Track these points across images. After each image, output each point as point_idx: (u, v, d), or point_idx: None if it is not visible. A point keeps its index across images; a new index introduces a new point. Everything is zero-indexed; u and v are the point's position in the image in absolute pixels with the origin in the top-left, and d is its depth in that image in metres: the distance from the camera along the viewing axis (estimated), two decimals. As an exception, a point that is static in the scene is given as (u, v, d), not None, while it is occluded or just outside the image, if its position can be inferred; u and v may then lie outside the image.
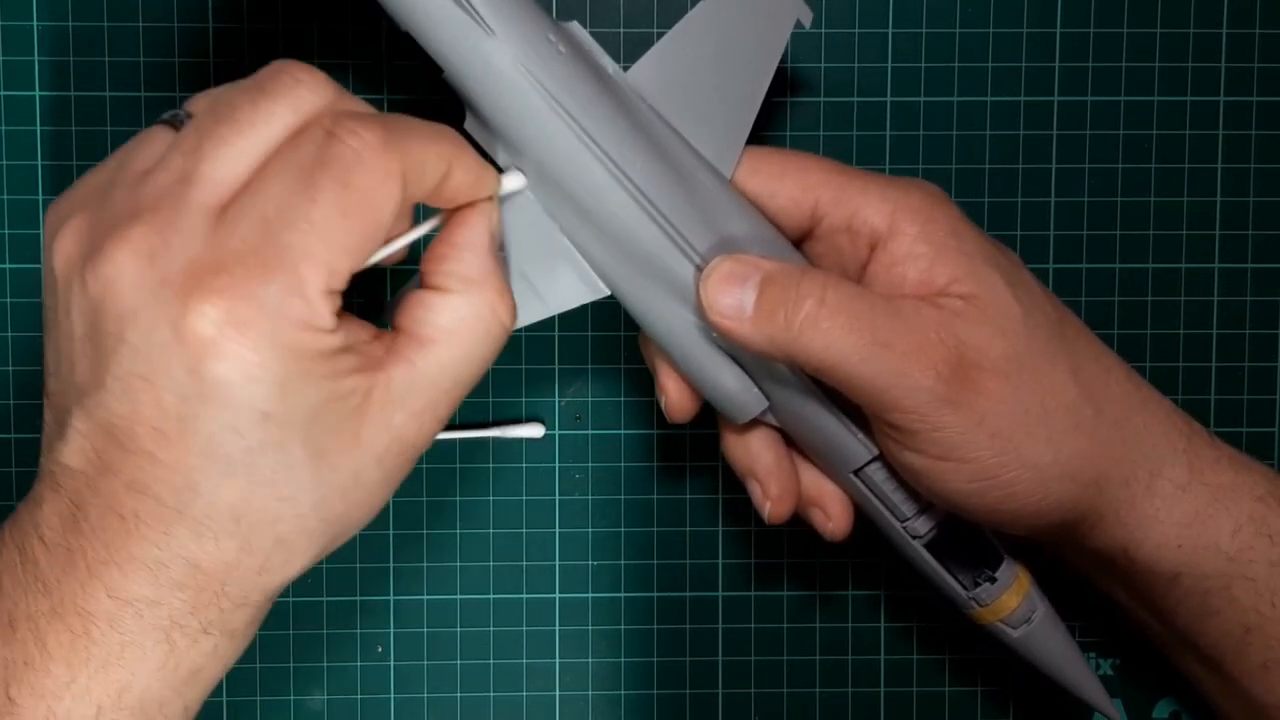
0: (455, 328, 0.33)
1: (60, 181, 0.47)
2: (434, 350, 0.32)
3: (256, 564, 0.31)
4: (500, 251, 0.35)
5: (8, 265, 0.47)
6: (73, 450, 0.30)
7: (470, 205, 0.34)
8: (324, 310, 0.30)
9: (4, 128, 0.47)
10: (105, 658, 0.30)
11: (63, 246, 0.30)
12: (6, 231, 0.47)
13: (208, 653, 0.32)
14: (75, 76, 0.46)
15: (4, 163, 0.47)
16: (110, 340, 0.29)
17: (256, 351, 0.29)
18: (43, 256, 0.32)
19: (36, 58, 0.46)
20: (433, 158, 0.32)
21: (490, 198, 0.34)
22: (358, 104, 0.32)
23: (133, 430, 0.29)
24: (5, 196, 0.47)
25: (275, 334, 0.29)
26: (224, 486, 0.30)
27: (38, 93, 0.46)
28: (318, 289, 0.29)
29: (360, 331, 0.32)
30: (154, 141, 0.32)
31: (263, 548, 0.31)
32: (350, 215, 0.30)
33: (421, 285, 0.33)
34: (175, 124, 0.32)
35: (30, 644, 0.30)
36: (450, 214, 0.34)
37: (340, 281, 0.30)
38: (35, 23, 0.46)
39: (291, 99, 0.31)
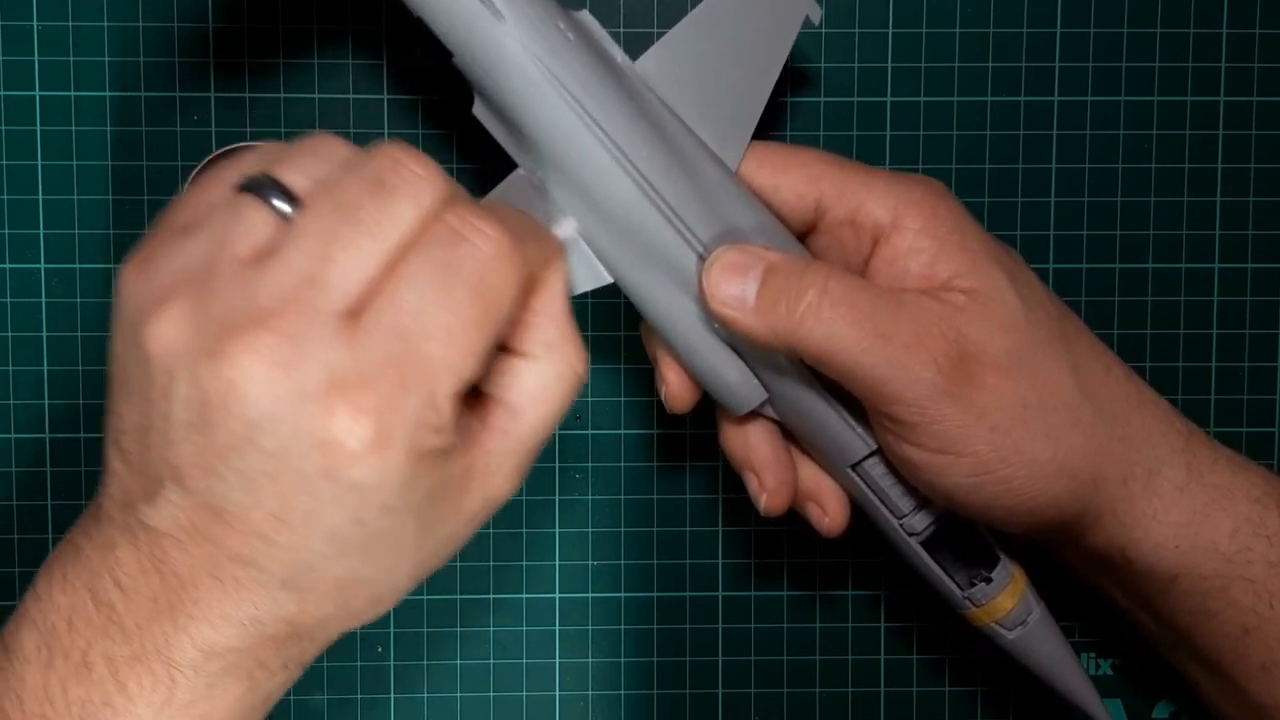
0: (542, 394, 0.33)
1: (60, 181, 0.47)
2: (524, 417, 0.33)
3: (349, 616, 0.32)
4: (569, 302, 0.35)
5: (8, 265, 0.47)
6: (164, 517, 0.30)
7: (544, 269, 0.34)
8: (450, 414, 0.30)
9: (4, 127, 0.47)
10: (189, 699, 0.31)
11: (164, 332, 0.29)
12: (7, 231, 0.47)
13: (281, 683, 0.33)
14: (75, 76, 0.46)
15: (4, 163, 0.47)
16: (233, 439, 0.29)
17: (393, 460, 0.29)
18: (121, 321, 0.31)
19: (37, 58, 0.46)
20: (537, 251, 0.33)
21: (560, 260, 0.34)
22: (463, 191, 0.32)
23: (246, 515, 0.30)
24: (5, 196, 0.47)
25: (411, 443, 0.29)
26: (337, 564, 0.31)
27: (38, 93, 0.46)
28: (448, 397, 0.30)
29: (461, 411, 0.32)
30: (251, 221, 0.30)
31: (358, 606, 0.32)
32: (483, 323, 0.30)
33: (503, 349, 0.33)
34: (266, 199, 0.30)
35: (110, 686, 0.30)
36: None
37: (467, 385, 0.30)
38: (35, 23, 0.46)
39: (415, 197, 0.30)
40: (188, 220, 0.31)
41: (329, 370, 0.29)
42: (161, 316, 0.29)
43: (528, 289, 0.33)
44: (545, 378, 0.33)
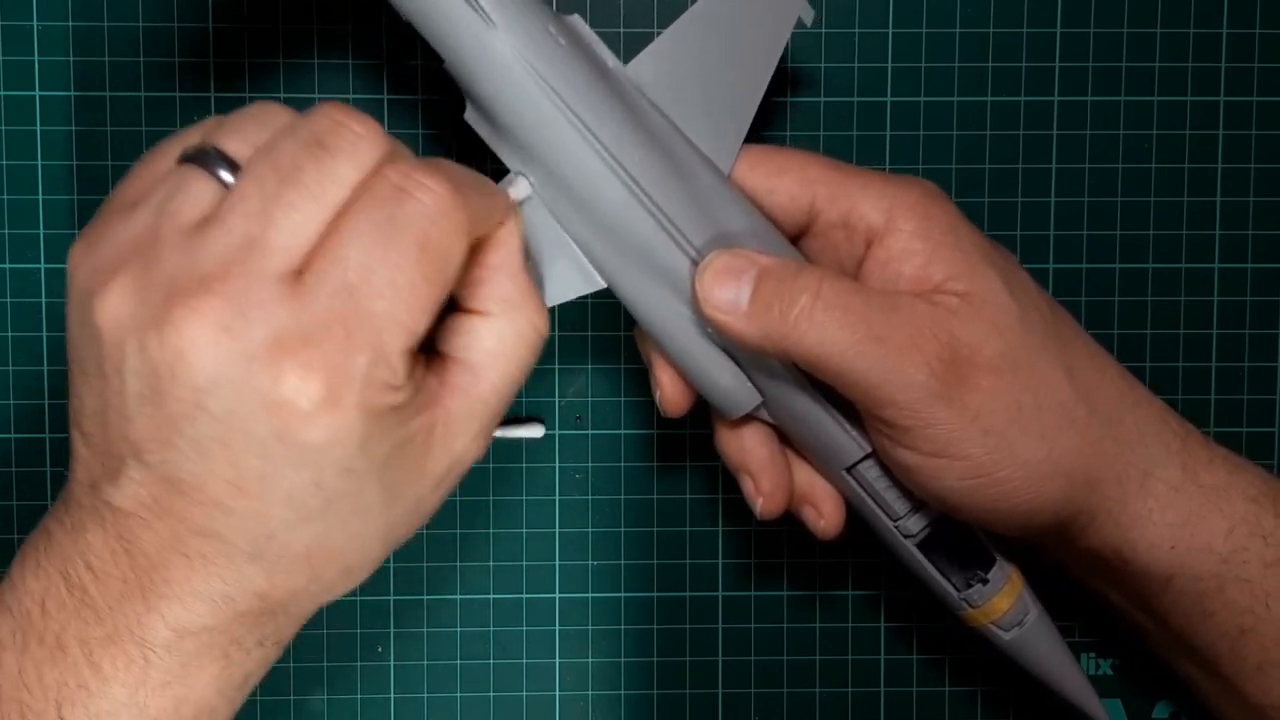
0: (501, 350, 0.33)
1: (60, 181, 0.47)
2: (484, 375, 0.33)
3: (322, 589, 0.32)
4: (529, 260, 0.35)
5: (8, 265, 0.47)
6: (127, 496, 0.30)
7: (499, 224, 0.34)
8: (403, 370, 0.30)
9: (4, 127, 0.47)
10: (164, 679, 0.31)
11: (110, 305, 0.29)
12: (6, 231, 0.47)
13: (260, 661, 0.33)
14: (75, 76, 0.46)
15: (4, 162, 0.47)
16: (183, 406, 0.29)
17: (346, 418, 0.29)
18: (71, 299, 0.31)
19: (37, 58, 0.46)
20: (484, 205, 0.33)
21: (514, 215, 0.34)
22: (405, 149, 0.32)
23: (203, 485, 0.30)
24: (5, 196, 0.47)
25: (363, 400, 0.29)
26: (301, 531, 0.31)
27: (38, 93, 0.47)
28: (399, 352, 0.30)
29: (416, 368, 0.32)
30: (193, 190, 0.30)
31: (329, 577, 0.32)
32: (429, 277, 0.30)
33: (459, 309, 0.33)
34: (208, 168, 0.31)
35: (84, 668, 0.30)
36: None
37: (417, 340, 0.30)
38: (35, 23, 0.46)
39: (354, 156, 0.30)
40: (133, 196, 0.31)
41: (274, 330, 0.29)
42: (108, 290, 0.30)
43: (481, 246, 0.33)
44: (504, 335, 0.33)
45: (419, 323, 0.30)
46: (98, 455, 0.31)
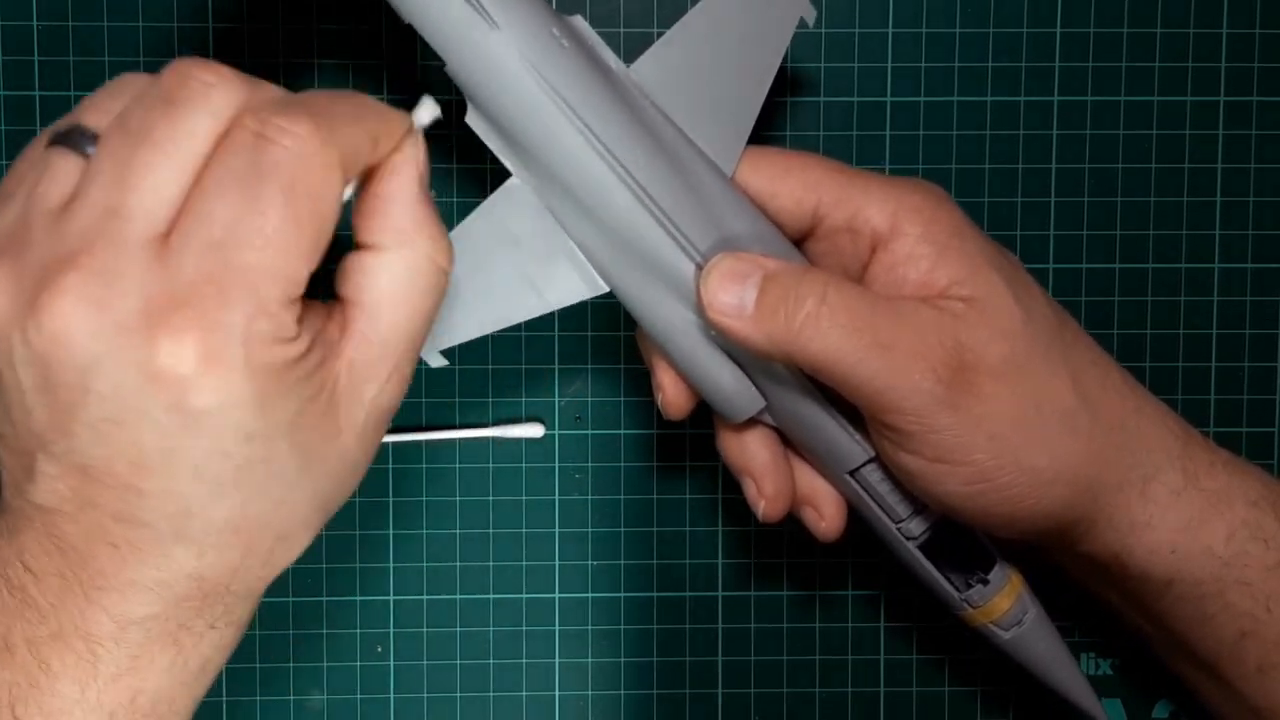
0: (397, 288, 0.31)
1: (60, 181, 0.47)
2: (384, 316, 0.31)
3: (259, 562, 0.31)
4: (430, 191, 0.33)
5: (8, 265, 0.47)
6: (44, 491, 0.30)
7: (392, 152, 0.32)
8: (289, 320, 0.29)
9: (4, 127, 0.47)
10: (114, 671, 0.30)
11: None
12: (6, 231, 0.47)
13: (214, 645, 0.32)
14: (75, 76, 0.46)
15: (4, 163, 0.47)
16: (71, 391, 0.28)
17: (232, 378, 0.28)
18: None
19: (37, 58, 0.46)
20: (360, 134, 0.31)
21: (411, 140, 0.32)
22: (267, 89, 0.31)
23: (110, 468, 0.29)
24: (5, 196, 0.47)
25: (248, 357, 0.28)
26: (218, 505, 0.30)
27: (38, 93, 0.46)
28: (281, 303, 0.29)
29: (314, 319, 0.31)
30: (57, 170, 0.30)
31: (265, 548, 0.31)
32: (302, 221, 0.29)
33: (355, 245, 0.32)
34: (74, 146, 0.30)
35: (33, 666, 0.30)
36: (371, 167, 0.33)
37: (300, 288, 0.29)
38: (35, 23, 0.46)
39: (207, 105, 0.29)
40: (8, 188, 0.31)
41: (144, 298, 0.28)
42: None
43: (372, 175, 0.31)
44: (398, 270, 0.31)
45: (298, 270, 0.29)
46: (14, 455, 0.30)
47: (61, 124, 0.31)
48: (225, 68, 0.30)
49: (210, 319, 0.28)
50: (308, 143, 0.29)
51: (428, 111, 0.33)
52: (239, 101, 0.30)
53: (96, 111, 0.30)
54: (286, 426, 0.30)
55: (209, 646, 0.32)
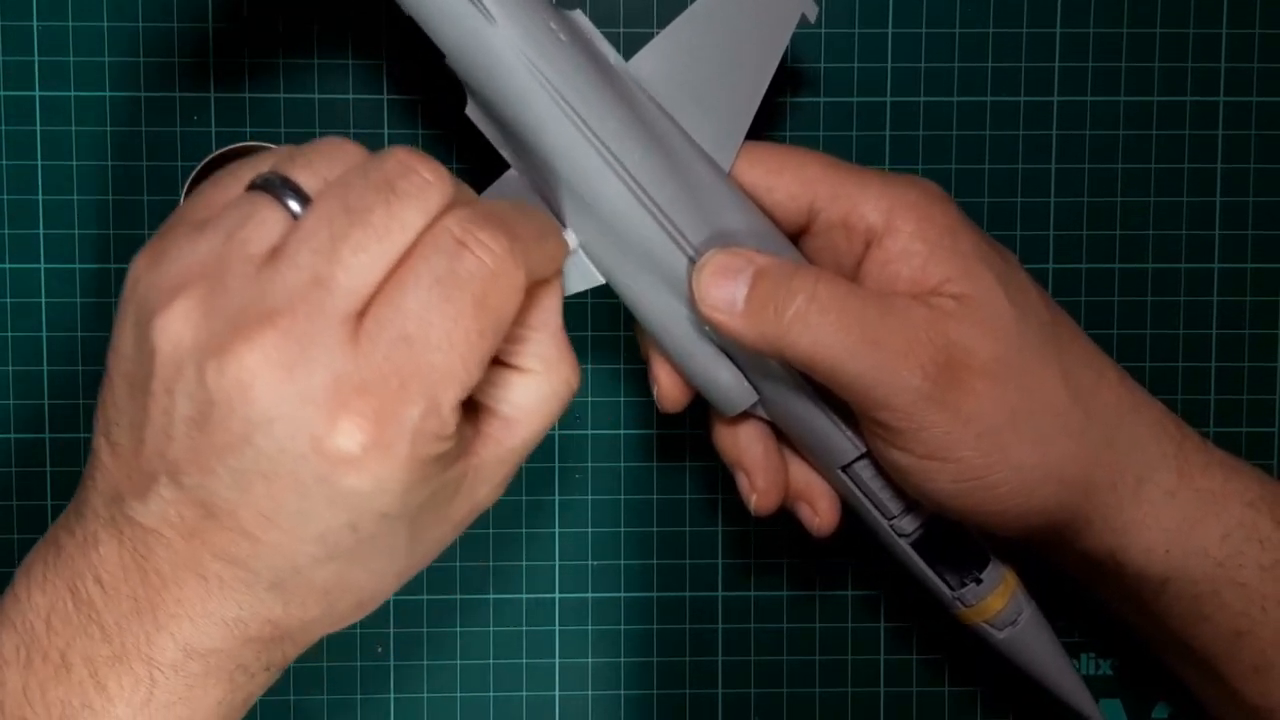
0: (537, 407, 0.34)
1: (60, 181, 0.47)
2: (518, 429, 0.33)
3: (332, 620, 0.33)
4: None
5: (8, 265, 0.47)
6: (153, 513, 0.30)
7: (542, 282, 0.34)
8: (452, 422, 0.30)
9: (4, 127, 0.47)
10: (169, 699, 0.31)
11: (172, 326, 0.29)
12: (6, 231, 0.47)
13: (261, 685, 0.33)
14: (75, 76, 0.46)
15: (4, 163, 0.47)
16: (230, 437, 0.29)
17: (392, 468, 0.29)
18: (128, 310, 0.31)
19: (37, 58, 0.46)
20: (544, 257, 0.33)
21: (559, 273, 0.35)
22: (467, 193, 0.32)
23: (235, 512, 0.30)
24: (5, 196, 0.47)
25: (412, 451, 0.29)
26: (324, 568, 0.31)
27: (38, 93, 0.47)
28: (451, 406, 0.30)
29: (461, 420, 0.32)
30: (264, 220, 0.30)
31: (342, 609, 0.32)
32: (485, 333, 0.30)
33: (499, 361, 0.33)
34: (279, 198, 0.31)
35: (89, 687, 0.30)
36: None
37: (468, 393, 0.30)
38: (35, 23, 0.46)
39: (423, 202, 0.30)
40: (202, 216, 0.31)
41: (333, 375, 0.29)
42: (171, 311, 0.30)
43: (526, 302, 0.33)
44: (541, 392, 0.33)
45: (472, 376, 0.30)
46: (125, 467, 0.31)
47: (266, 170, 0.31)
48: (441, 167, 0.31)
49: (389, 410, 0.29)
50: (504, 261, 0.30)
51: (572, 240, 0.37)
52: (447, 202, 0.31)
53: (307, 171, 0.31)
54: (414, 512, 0.31)
55: (257, 686, 0.33)
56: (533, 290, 0.33)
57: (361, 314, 0.29)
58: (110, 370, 0.31)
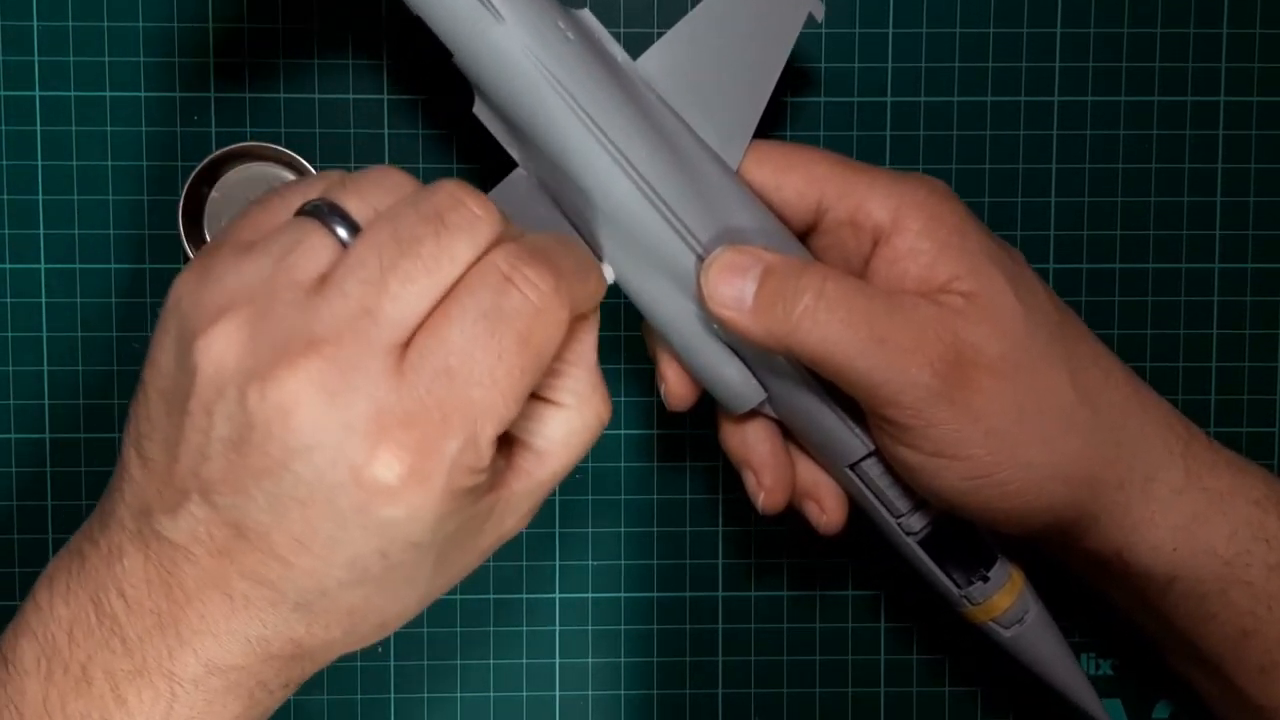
0: (568, 440, 0.34)
1: (60, 181, 0.47)
2: (549, 462, 0.33)
3: (353, 641, 0.33)
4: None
5: (8, 265, 0.47)
6: (182, 530, 0.30)
7: (580, 317, 0.34)
8: (489, 455, 0.30)
9: (4, 128, 0.47)
10: (188, 714, 0.31)
11: (215, 347, 0.29)
12: (7, 232, 0.47)
13: (279, 700, 0.33)
14: (75, 76, 0.46)
15: (4, 163, 0.47)
16: (268, 461, 0.29)
17: (428, 499, 0.29)
18: (170, 327, 0.31)
19: (37, 58, 0.46)
20: (586, 294, 0.33)
21: (597, 309, 0.35)
22: (513, 229, 0.32)
23: (267, 535, 0.30)
24: (5, 196, 0.47)
25: (448, 484, 0.30)
26: (351, 592, 0.31)
27: (38, 93, 0.46)
28: (490, 440, 0.30)
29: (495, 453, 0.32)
30: (313, 246, 0.30)
31: (364, 630, 0.33)
32: (526, 370, 0.30)
33: (533, 395, 0.33)
34: (328, 225, 0.31)
35: (109, 700, 0.30)
36: None
37: (506, 426, 0.31)
38: (35, 23, 0.46)
39: (472, 236, 0.30)
40: (248, 238, 0.31)
41: (376, 406, 0.29)
42: (215, 331, 0.30)
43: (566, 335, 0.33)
44: (573, 426, 0.34)
45: (511, 411, 0.30)
46: (157, 482, 0.31)
47: (316, 195, 0.32)
48: (489, 201, 0.31)
49: (429, 443, 0.29)
50: (549, 299, 0.31)
51: (609, 274, 0.37)
52: (496, 236, 0.31)
53: (357, 199, 0.31)
54: (443, 541, 0.31)
55: (274, 702, 0.33)
56: (571, 325, 0.33)
57: (406, 345, 0.30)
58: (146, 384, 0.31)
